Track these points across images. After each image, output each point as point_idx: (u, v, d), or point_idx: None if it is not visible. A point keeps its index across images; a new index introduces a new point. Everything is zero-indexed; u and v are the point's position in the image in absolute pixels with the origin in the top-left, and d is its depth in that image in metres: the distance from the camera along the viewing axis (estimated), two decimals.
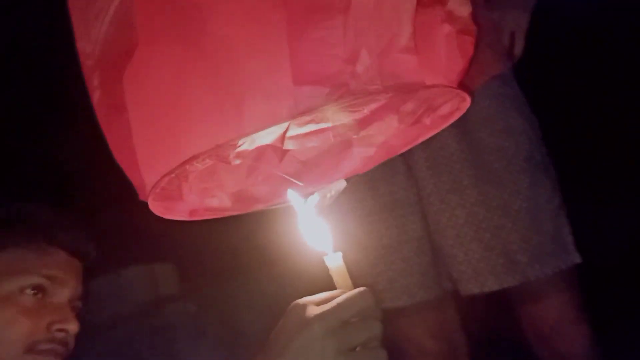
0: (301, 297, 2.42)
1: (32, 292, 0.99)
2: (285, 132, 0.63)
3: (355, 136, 0.79)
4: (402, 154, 0.81)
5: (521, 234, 1.13)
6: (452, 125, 0.74)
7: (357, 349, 0.62)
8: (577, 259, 1.14)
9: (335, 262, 0.66)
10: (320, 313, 0.62)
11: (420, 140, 0.80)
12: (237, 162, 0.67)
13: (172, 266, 2.78)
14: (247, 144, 0.66)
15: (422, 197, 1.20)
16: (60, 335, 1.01)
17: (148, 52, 0.61)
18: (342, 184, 0.72)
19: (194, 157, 0.58)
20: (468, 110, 0.69)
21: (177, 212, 0.73)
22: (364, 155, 0.81)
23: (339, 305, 0.62)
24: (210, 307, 2.46)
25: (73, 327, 1.02)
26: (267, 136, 0.65)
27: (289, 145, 0.69)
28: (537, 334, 1.19)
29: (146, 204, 0.70)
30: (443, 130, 0.74)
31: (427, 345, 1.24)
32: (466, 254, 1.14)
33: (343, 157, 0.81)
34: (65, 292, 1.02)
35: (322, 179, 0.80)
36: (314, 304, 0.64)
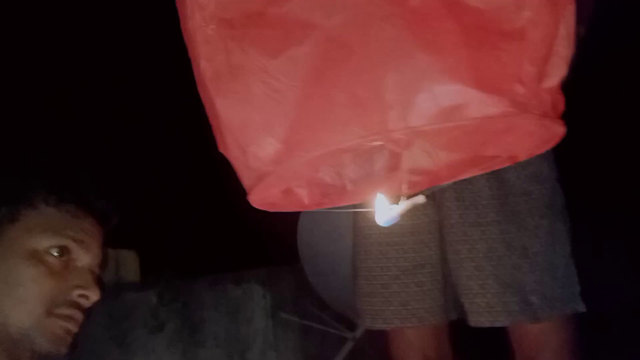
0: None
1: (58, 253, 0.97)
2: (448, 130, 0.63)
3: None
4: None
5: (536, 276, 1.18)
6: None
7: None
8: (582, 307, 1.20)
9: None
10: None
11: (472, 174, 0.82)
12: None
13: (135, 254, 2.73)
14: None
15: (444, 226, 1.24)
16: (82, 301, 0.99)
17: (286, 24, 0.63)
18: (421, 199, 0.74)
19: (346, 147, 0.59)
20: None
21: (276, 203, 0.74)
22: (407, 179, 0.83)
23: None
24: (172, 301, 2.43)
25: (95, 294, 1.00)
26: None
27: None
28: None
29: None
30: None
31: None
32: (482, 287, 1.18)
33: (388, 177, 0.83)
34: (88, 258, 1.01)
35: (359, 197, 0.82)
36: None
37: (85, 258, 1.01)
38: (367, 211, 1.26)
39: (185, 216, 2.83)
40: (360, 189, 0.81)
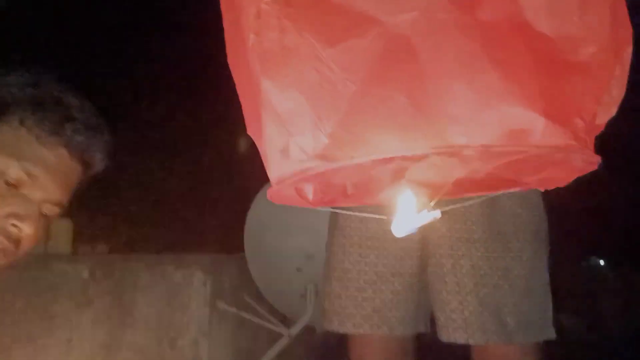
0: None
1: (4, 180, 0.89)
2: (508, 154, 0.61)
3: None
4: None
5: (514, 299, 1.18)
6: None
7: None
8: (553, 335, 1.21)
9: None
10: None
11: (475, 194, 0.81)
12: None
13: (70, 223, 2.59)
14: None
15: (430, 238, 1.22)
16: (13, 230, 0.90)
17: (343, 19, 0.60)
18: (437, 213, 0.72)
19: (387, 158, 0.57)
20: None
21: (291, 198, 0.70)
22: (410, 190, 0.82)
23: None
24: (104, 278, 2.31)
25: (28, 229, 0.91)
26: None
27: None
28: None
29: None
30: None
31: None
32: (461, 303, 1.17)
33: (390, 185, 0.81)
34: (39, 194, 0.91)
35: (358, 201, 0.80)
36: None
37: (35, 193, 0.91)
38: (382, 218, 1.24)
39: (132, 191, 2.71)
40: (361, 193, 0.78)
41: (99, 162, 0.99)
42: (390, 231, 1.22)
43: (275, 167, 0.64)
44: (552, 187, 0.73)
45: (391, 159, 0.59)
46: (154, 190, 2.68)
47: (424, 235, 1.23)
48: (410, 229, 0.71)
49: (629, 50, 0.63)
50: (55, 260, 2.36)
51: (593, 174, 0.67)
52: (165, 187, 2.60)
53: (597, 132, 0.62)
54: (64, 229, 2.51)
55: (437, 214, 0.72)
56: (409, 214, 0.70)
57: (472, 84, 0.55)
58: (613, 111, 0.63)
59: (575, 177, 0.70)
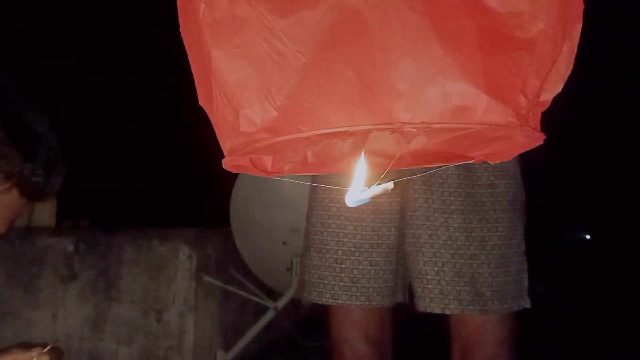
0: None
1: None
2: (452, 130, 0.61)
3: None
4: None
5: (490, 270, 1.18)
6: None
7: None
8: (528, 304, 1.22)
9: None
10: None
11: (442, 164, 0.81)
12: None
13: (53, 199, 2.57)
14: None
15: (407, 209, 1.21)
16: None
17: None
18: (390, 185, 0.72)
19: (340, 132, 0.56)
20: None
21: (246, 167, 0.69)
22: (369, 160, 0.81)
23: None
24: (89, 251, 2.31)
25: None
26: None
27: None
28: None
29: None
30: None
31: (360, 348, 1.25)
32: (437, 273, 1.18)
33: (350, 154, 0.80)
34: None
35: (318, 170, 0.79)
36: None
37: None
38: (336, 189, 1.24)
39: (114, 163, 2.68)
40: (321, 161, 0.77)
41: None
42: (368, 203, 1.21)
43: (226, 139, 0.63)
44: (498, 161, 0.72)
45: (337, 133, 0.57)
46: (138, 165, 2.66)
47: (402, 206, 1.22)
48: (362, 200, 0.70)
49: (578, 27, 0.62)
50: (39, 233, 2.36)
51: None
52: (150, 161, 2.58)
53: (542, 108, 0.62)
54: (46, 204, 2.49)
55: (389, 185, 0.71)
56: (362, 184, 0.70)
57: (418, 59, 0.54)
58: (559, 88, 0.62)
59: (519, 152, 0.70)
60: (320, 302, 1.24)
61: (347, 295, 1.22)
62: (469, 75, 0.54)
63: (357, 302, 1.22)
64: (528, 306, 1.22)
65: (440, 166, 0.79)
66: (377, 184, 0.70)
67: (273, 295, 2.48)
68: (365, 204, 1.29)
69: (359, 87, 0.55)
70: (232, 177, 2.36)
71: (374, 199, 1.27)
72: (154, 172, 2.62)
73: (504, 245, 1.21)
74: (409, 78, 0.54)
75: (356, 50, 0.56)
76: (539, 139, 0.64)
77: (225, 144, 0.65)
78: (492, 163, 1.21)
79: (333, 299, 1.22)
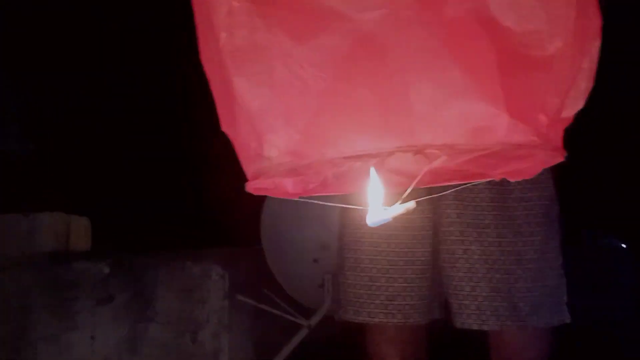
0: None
1: None
2: (472, 151, 0.62)
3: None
4: None
5: (527, 284, 1.17)
6: None
7: None
8: (567, 318, 1.21)
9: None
10: None
11: (450, 182, 0.81)
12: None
13: (88, 222, 2.63)
14: None
15: (441, 224, 1.22)
16: None
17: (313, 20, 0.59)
18: (412, 205, 0.72)
19: (365, 155, 0.57)
20: None
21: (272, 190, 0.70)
22: (388, 178, 0.81)
23: None
24: (124, 274, 2.35)
25: None
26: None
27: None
28: None
29: None
30: None
31: None
32: (473, 289, 1.17)
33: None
34: None
35: (339, 190, 0.80)
36: None
37: None
38: (359, 208, 1.24)
39: (146, 188, 2.74)
40: (342, 182, 0.79)
41: None
42: (401, 220, 1.22)
43: (249, 163, 0.65)
44: (519, 179, 0.73)
45: (360, 156, 0.59)
46: (169, 188, 2.71)
47: (435, 222, 1.23)
48: (383, 219, 0.71)
49: (596, 44, 0.63)
50: (75, 257, 2.41)
51: None
52: (178, 184, 2.63)
53: (565, 125, 0.63)
54: (83, 227, 2.55)
55: (411, 204, 0.72)
56: (381, 203, 0.71)
57: (435, 81, 0.56)
58: (580, 104, 0.63)
59: (540, 169, 0.70)
60: (357, 321, 1.25)
61: (383, 313, 1.22)
62: (488, 96, 0.55)
63: (394, 320, 1.22)
64: (568, 321, 1.21)
65: (466, 183, 0.79)
66: (400, 203, 0.71)
67: (306, 313, 2.48)
68: (398, 222, 1.30)
69: (380, 110, 0.57)
70: (261, 197, 2.38)
71: (405, 216, 1.28)
72: (185, 194, 2.67)
73: (540, 259, 1.20)
74: (428, 100, 0.55)
75: (374, 73, 0.58)
76: (559, 156, 0.64)
77: (248, 169, 0.67)
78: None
79: (369, 317, 1.23)
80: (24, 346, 2.35)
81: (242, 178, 0.79)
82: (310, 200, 0.86)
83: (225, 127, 0.70)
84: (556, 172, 1.27)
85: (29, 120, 2.77)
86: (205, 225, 2.69)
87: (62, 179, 2.72)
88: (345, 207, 1.31)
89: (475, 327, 1.18)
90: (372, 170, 0.70)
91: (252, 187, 0.69)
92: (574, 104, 0.62)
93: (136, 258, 2.37)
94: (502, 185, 1.21)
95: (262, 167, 0.64)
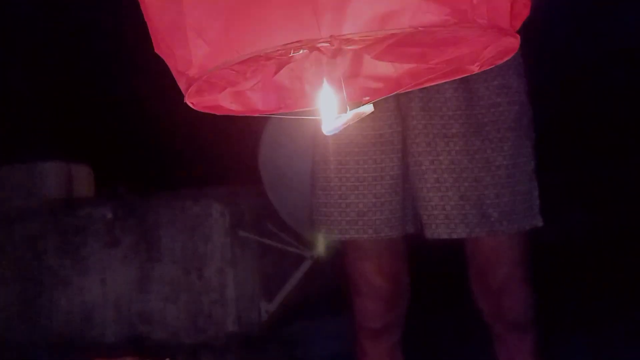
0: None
1: None
2: (382, 40, 0.58)
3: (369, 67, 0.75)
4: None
5: (497, 190, 1.17)
6: None
7: None
8: (540, 222, 1.20)
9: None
10: None
11: (436, 81, 0.78)
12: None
13: (89, 169, 2.65)
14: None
15: (407, 136, 1.20)
16: None
17: None
18: (369, 108, 0.69)
19: (279, 50, 0.54)
20: None
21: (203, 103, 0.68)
22: (367, 86, 0.79)
23: None
24: (127, 217, 2.38)
25: None
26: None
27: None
28: (484, 288, 1.24)
29: None
30: None
31: (376, 281, 1.27)
32: (441, 199, 1.16)
33: (348, 82, 0.78)
34: None
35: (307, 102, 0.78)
36: None
37: None
38: (320, 125, 1.23)
39: (142, 131, 2.74)
40: (296, 98, 0.76)
41: None
42: (369, 136, 1.20)
43: (179, 82, 0.63)
44: (482, 68, 0.68)
45: (266, 56, 0.56)
46: (166, 129, 2.71)
47: (403, 135, 1.21)
48: (338, 127, 0.69)
49: None
50: (79, 204, 2.44)
51: None
52: (173, 126, 2.62)
53: (508, 1, 0.57)
54: (84, 174, 2.58)
55: (365, 108, 0.70)
56: (334, 111, 0.68)
57: None
58: None
59: (505, 56, 0.66)
60: (329, 239, 1.26)
61: (354, 229, 1.22)
62: None
63: (365, 235, 1.22)
64: (540, 224, 1.20)
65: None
66: (354, 109, 0.68)
67: (312, 244, 2.51)
68: (366, 138, 1.28)
69: (285, 9, 0.54)
70: (260, 131, 2.37)
71: (373, 132, 1.25)
72: (183, 134, 2.66)
73: (509, 164, 1.18)
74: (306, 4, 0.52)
75: None
76: (508, 39, 0.60)
77: (180, 88, 0.65)
78: (494, 82, 1.19)
79: (341, 234, 1.23)
80: (39, 292, 2.42)
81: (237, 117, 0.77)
82: (266, 115, 0.85)
83: (157, 49, 0.67)
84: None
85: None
86: (206, 165, 2.70)
87: (60, 127, 2.73)
88: (318, 128, 1.31)
89: (444, 236, 1.18)
90: (324, 80, 0.68)
91: (193, 104, 0.67)
92: None
93: (137, 201, 2.39)
94: (470, 92, 1.17)
95: (184, 82, 0.62)
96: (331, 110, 0.68)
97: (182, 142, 2.74)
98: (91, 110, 2.78)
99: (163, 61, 0.69)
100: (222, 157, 2.51)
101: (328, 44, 0.55)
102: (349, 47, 0.62)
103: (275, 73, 0.67)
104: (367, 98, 0.77)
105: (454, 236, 1.17)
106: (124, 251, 2.38)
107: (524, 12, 0.64)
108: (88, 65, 2.92)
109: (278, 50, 0.54)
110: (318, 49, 0.56)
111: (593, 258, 2.60)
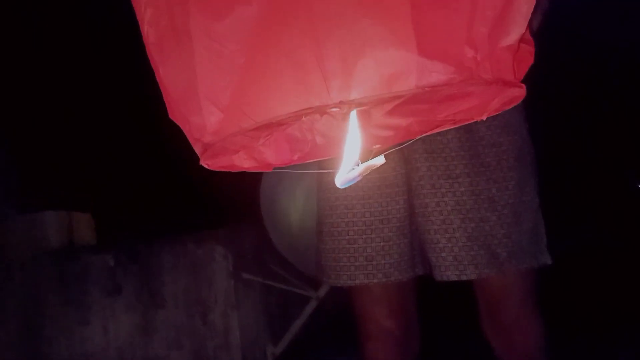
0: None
1: None
2: (391, 100, 0.59)
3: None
4: None
5: (504, 230, 1.17)
6: None
7: None
8: (548, 260, 1.20)
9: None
10: None
11: (443, 128, 0.79)
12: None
13: (90, 217, 2.65)
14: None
15: (412, 179, 1.20)
16: None
17: None
18: (381, 160, 0.70)
19: (294, 114, 0.55)
20: None
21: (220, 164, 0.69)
22: (378, 134, 0.81)
23: None
24: (130, 263, 2.37)
25: None
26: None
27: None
28: (495, 325, 1.24)
29: None
30: None
31: (386, 324, 1.26)
32: (449, 240, 1.16)
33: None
34: None
35: (329, 151, 0.78)
36: None
37: None
38: (327, 172, 1.24)
39: (142, 178, 2.75)
40: (331, 142, 0.77)
41: None
42: (374, 180, 1.21)
43: (194, 146, 0.65)
44: (477, 119, 0.69)
45: (279, 122, 0.57)
46: (166, 174, 2.72)
47: (408, 177, 1.21)
48: (352, 179, 0.70)
49: None
50: (80, 252, 2.43)
51: None
52: (174, 168, 2.63)
53: (512, 53, 0.58)
54: (85, 222, 2.57)
55: (377, 160, 0.71)
56: (351, 163, 0.69)
57: (344, 35, 0.53)
58: (522, 27, 0.58)
59: (500, 107, 0.67)
60: (338, 285, 1.25)
61: (363, 274, 1.22)
62: (398, 39, 0.52)
63: (375, 280, 1.22)
64: (549, 262, 1.20)
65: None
66: (366, 162, 0.69)
67: (314, 284, 2.49)
68: (371, 182, 1.28)
69: (294, 75, 0.55)
70: (259, 173, 2.38)
71: (378, 175, 1.26)
72: (181, 178, 2.67)
73: (515, 203, 1.18)
74: (338, 56, 0.53)
75: (287, 38, 0.56)
76: (514, 91, 0.61)
77: (196, 151, 0.66)
78: (494, 122, 1.20)
79: (350, 279, 1.23)
80: (40, 342, 2.40)
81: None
82: (281, 171, 0.86)
83: (171, 115, 0.69)
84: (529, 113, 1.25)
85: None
86: (206, 208, 2.70)
87: (61, 176, 2.74)
88: (321, 174, 1.31)
89: (454, 278, 1.17)
90: (348, 132, 0.69)
91: (208, 165, 0.68)
92: (516, 29, 0.57)
93: (139, 247, 2.38)
94: (471, 132, 1.18)
95: (200, 147, 0.63)
96: (345, 165, 0.69)
97: (181, 184, 2.75)
98: (91, 159, 2.80)
99: (160, 108, 0.70)
100: (222, 194, 2.51)
101: (338, 109, 0.56)
102: (359, 109, 0.63)
103: (287, 128, 0.69)
104: (378, 146, 0.78)
105: (464, 278, 1.17)
106: (127, 298, 2.37)
107: (529, 60, 0.65)
108: (87, 114, 2.95)
109: (290, 116, 0.55)
110: (329, 113, 0.57)
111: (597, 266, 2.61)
